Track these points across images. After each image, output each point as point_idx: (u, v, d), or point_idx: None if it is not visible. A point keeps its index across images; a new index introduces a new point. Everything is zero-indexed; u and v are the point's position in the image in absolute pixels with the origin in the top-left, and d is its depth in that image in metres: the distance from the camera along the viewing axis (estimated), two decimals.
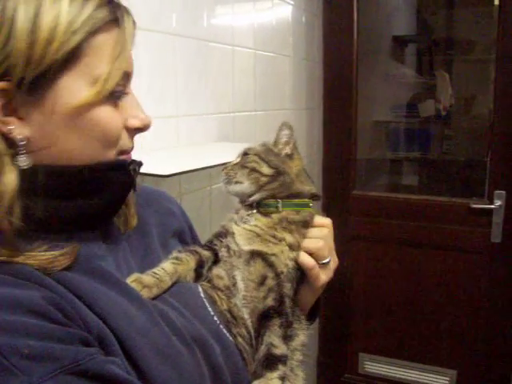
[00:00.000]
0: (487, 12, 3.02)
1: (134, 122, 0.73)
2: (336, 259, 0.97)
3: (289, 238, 0.88)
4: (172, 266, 0.82)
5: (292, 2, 2.33)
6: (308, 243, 0.89)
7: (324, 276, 0.92)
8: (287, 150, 0.96)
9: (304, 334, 0.87)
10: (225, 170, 0.95)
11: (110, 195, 0.73)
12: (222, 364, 0.75)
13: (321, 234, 0.92)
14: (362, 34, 2.72)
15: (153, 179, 1.14)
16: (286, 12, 2.32)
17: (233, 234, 0.89)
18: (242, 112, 1.93)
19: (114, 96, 0.69)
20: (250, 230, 0.88)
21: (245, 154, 0.95)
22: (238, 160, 0.95)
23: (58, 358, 0.56)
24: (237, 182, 0.92)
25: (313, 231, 0.92)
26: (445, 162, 3.50)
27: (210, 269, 0.88)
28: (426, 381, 2.73)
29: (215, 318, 0.81)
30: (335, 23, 2.68)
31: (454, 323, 2.64)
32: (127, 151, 0.75)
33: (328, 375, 2.99)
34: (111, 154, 0.72)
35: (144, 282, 0.76)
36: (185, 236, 0.97)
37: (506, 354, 2.55)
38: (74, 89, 0.65)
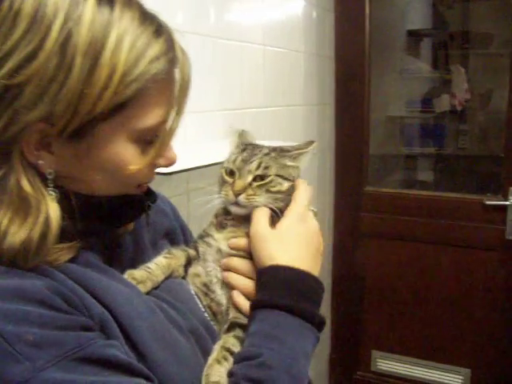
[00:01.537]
0: (504, 5, 2.97)
1: (161, 162, 0.74)
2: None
3: None
4: (165, 260, 0.85)
5: None
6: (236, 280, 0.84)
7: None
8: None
9: None
10: (239, 193, 0.85)
11: (122, 222, 0.80)
12: None
13: None
14: (375, 29, 2.69)
15: (157, 176, 1.14)
16: (296, 7, 2.30)
17: (212, 235, 0.90)
18: (251, 108, 1.92)
19: (145, 141, 0.70)
20: (230, 232, 0.89)
21: (260, 176, 0.86)
22: (250, 180, 0.86)
23: (61, 344, 0.58)
24: (254, 205, 0.86)
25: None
26: (460, 158, 3.46)
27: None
28: (439, 379, 2.70)
29: (206, 314, 0.84)
30: (347, 17, 2.65)
31: (467, 321, 2.61)
32: (147, 183, 0.78)
33: (340, 372, 2.98)
34: (131, 188, 0.75)
35: (136, 276, 0.78)
36: (176, 237, 0.98)
37: None
38: (111, 138, 0.66)
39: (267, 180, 0.86)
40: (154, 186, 0.83)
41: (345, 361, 2.96)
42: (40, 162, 0.65)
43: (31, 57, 0.59)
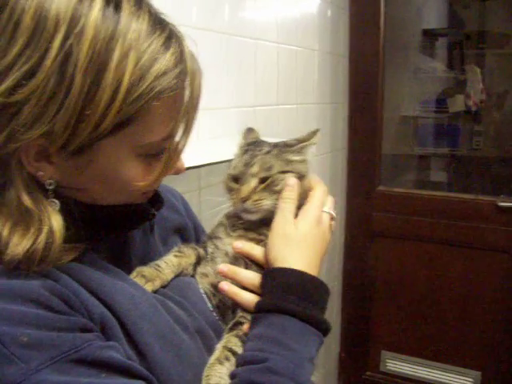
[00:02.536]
0: None
1: (170, 172, 0.73)
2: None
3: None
4: (175, 259, 0.84)
5: None
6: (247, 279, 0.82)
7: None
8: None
9: None
10: (246, 199, 0.84)
11: (126, 230, 0.78)
12: None
13: None
14: (390, 28, 2.67)
15: None
16: (311, 5, 2.29)
17: (220, 238, 0.89)
18: (264, 106, 1.92)
19: (150, 155, 0.68)
20: (239, 236, 0.87)
21: (265, 178, 0.85)
22: (254, 184, 0.85)
23: (56, 346, 0.57)
24: (264, 209, 0.85)
25: None
26: (474, 159, 3.43)
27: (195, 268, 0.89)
28: (448, 381, 2.68)
29: (214, 314, 0.83)
30: (362, 16, 2.64)
31: (479, 323, 2.58)
32: (153, 191, 0.77)
33: (349, 372, 2.97)
34: (136, 197, 0.73)
35: (145, 274, 0.77)
36: (187, 233, 0.97)
37: None
38: (112, 153, 0.64)
39: (269, 181, 0.84)
40: (165, 181, 0.80)
41: (354, 361, 2.95)
42: (40, 173, 0.63)
43: (30, 75, 0.56)
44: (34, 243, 0.61)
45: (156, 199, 0.80)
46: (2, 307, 0.56)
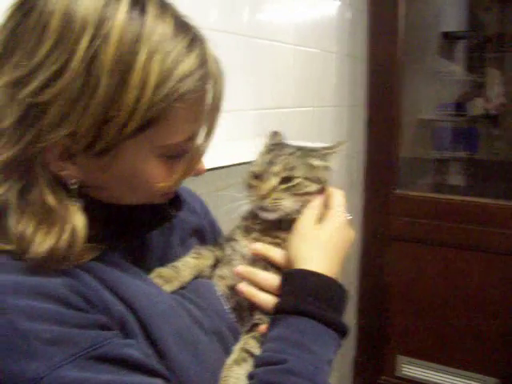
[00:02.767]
0: None
1: (190, 174, 0.73)
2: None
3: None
4: (193, 261, 0.84)
5: None
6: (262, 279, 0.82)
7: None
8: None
9: None
10: (265, 197, 0.84)
11: (146, 231, 0.79)
12: None
13: None
14: (409, 30, 2.65)
15: None
16: (329, 7, 2.29)
17: (237, 241, 0.89)
18: (282, 108, 1.92)
19: (172, 156, 0.68)
20: (255, 239, 0.87)
21: (286, 178, 0.85)
22: (275, 182, 0.84)
23: (77, 343, 0.58)
24: (281, 209, 0.84)
25: None
26: (492, 163, 3.38)
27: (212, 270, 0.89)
28: None
29: (231, 316, 0.83)
30: (381, 18, 2.62)
31: (497, 329, 2.54)
32: (173, 192, 0.77)
33: (364, 376, 2.95)
34: (156, 198, 0.73)
35: (164, 275, 0.77)
36: (205, 235, 0.97)
37: None
38: (135, 154, 0.65)
39: (294, 183, 0.84)
40: (184, 182, 0.80)
41: (369, 365, 2.93)
42: (64, 172, 0.64)
43: (57, 76, 0.57)
44: (57, 242, 0.62)
45: (176, 200, 0.80)
46: (25, 304, 0.57)
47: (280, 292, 0.78)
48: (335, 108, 2.42)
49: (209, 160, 1.18)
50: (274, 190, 0.84)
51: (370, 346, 2.93)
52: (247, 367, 0.71)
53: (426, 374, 2.75)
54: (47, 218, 0.63)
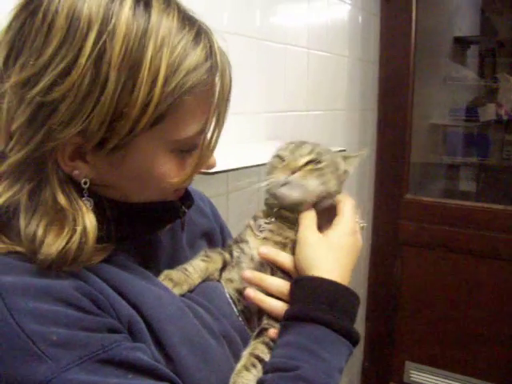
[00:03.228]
0: None
1: (202, 169, 0.73)
2: None
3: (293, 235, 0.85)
4: (203, 264, 0.84)
5: (349, 1, 2.30)
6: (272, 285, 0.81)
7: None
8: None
9: None
10: (293, 171, 0.83)
11: (157, 228, 0.78)
12: None
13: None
14: (421, 35, 2.64)
15: (198, 176, 1.15)
16: (342, 11, 2.29)
17: (247, 242, 0.88)
18: (293, 111, 1.92)
19: (184, 152, 0.68)
20: (264, 238, 0.86)
21: (313, 161, 0.84)
22: (303, 162, 0.84)
23: (85, 346, 0.57)
24: (306, 188, 0.83)
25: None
26: (504, 169, 3.36)
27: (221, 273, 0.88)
28: None
29: (240, 319, 0.82)
30: (393, 23, 2.62)
31: (507, 336, 2.52)
32: (184, 189, 0.77)
33: (372, 382, 2.94)
34: (168, 195, 0.73)
35: (173, 277, 0.77)
36: (214, 237, 0.97)
37: None
38: (147, 149, 0.64)
39: (321, 165, 0.83)
40: (193, 184, 0.81)
41: (378, 370, 2.92)
42: (75, 171, 0.64)
43: (65, 73, 0.57)
44: (67, 243, 0.61)
45: (186, 198, 0.80)
46: (33, 306, 0.57)
47: (289, 298, 0.77)
48: (347, 112, 2.42)
49: (220, 162, 1.18)
50: (300, 168, 0.83)
51: (379, 352, 2.92)
52: (256, 373, 0.71)
53: (435, 381, 2.73)
54: (58, 218, 0.62)
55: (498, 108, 3.21)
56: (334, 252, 0.79)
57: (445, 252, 2.64)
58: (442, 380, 2.71)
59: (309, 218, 0.82)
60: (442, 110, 3.33)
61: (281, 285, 0.80)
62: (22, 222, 0.62)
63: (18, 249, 0.62)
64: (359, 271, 2.79)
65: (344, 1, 2.26)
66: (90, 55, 0.57)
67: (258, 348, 0.74)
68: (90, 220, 0.63)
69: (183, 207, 0.79)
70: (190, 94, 0.62)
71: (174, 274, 0.78)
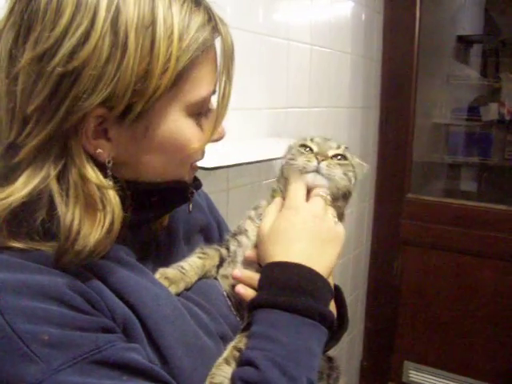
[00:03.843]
0: None
1: (214, 137, 0.73)
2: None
3: None
4: (200, 261, 0.83)
5: None
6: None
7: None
8: None
9: None
10: (324, 159, 0.85)
11: (164, 211, 0.78)
12: None
13: None
14: (425, 33, 2.63)
15: (199, 171, 1.14)
16: (345, 8, 2.27)
17: (246, 231, 0.87)
18: (295, 108, 1.91)
19: (201, 115, 0.69)
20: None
21: (340, 155, 0.88)
22: (332, 153, 0.87)
23: (78, 346, 0.55)
24: (334, 178, 0.85)
25: None
26: (506, 169, 3.35)
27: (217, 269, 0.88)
28: None
29: (237, 318, 0.81)
30: (396, 21, 2.60)
31: (508, 338, 2.52)
32: (199, 161, 0.77)
33: (371, 382, 2.93)
34: (185, 170, 0.73)
35: (169, 276, 0.76)
36: (211, 232, 0.96)
37: None
38: (167, 115, 0.65)
39: (347, 162, 0.87)
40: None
41: (376, 370, 2.91)
42: (99, 150, 0.63)
43: (83, 40, 0.57)
44: (101, 232, 0.61)
45: (194, 180, 0.80)
46: (25, 304, 0.55)
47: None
48: (349, 109, 2.40)
49: (221, 158, 1.17)
50: (328, 159, 0.85)
51: (377, 351, 2.91)
52: (236, 366, 0.69)
53: (433, 381, 2.72)
54: (90, 202, 0.61)
55: (501, 107, 3.20)
56: (284, 239, 0.77)
57: (446, 252, 2.63)
58: (441, 380, 2.70)
59: (273, 208, 0.84)
60: (445, 109, 3.32)
61: None
62: (60, 208, 0.60)
63: (43, 248, 0.61)
64: (359, 270, 2.78)
65: None
66: (105, 19, 0.57)
67: (242, 341, 0.73)
68: (117, 206, 0.63)
69: (191, 188, 0.78)
70: (201, 51, 0.64)
71: (170, 272, 0.77)
